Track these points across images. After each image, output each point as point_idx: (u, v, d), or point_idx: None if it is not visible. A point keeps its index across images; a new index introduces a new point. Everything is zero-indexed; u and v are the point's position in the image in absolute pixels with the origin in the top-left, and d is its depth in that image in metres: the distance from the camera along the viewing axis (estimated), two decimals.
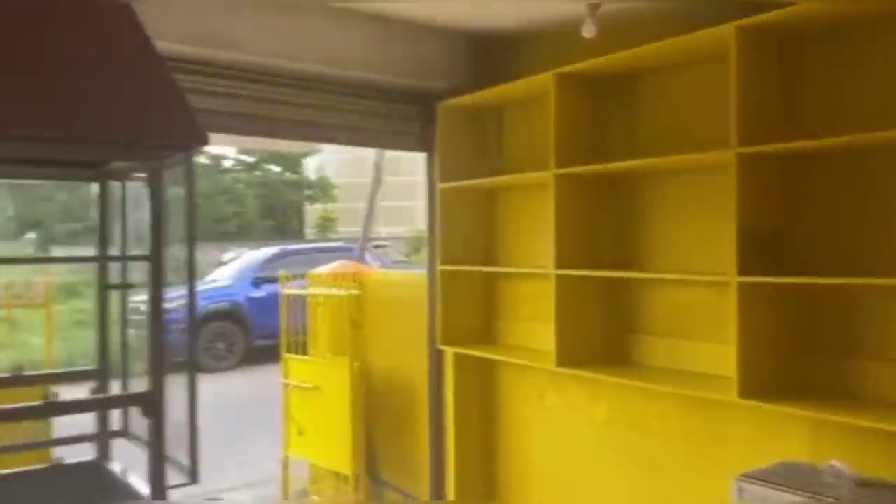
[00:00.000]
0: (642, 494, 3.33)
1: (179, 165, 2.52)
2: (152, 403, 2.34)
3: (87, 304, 10.15)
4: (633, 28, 3.10)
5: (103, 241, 2.92)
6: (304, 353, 5.11)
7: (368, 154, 25.42)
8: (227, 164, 22.83)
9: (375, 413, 4.95)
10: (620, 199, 3.34)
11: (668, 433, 3.20)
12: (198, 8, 3.05)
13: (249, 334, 11.17)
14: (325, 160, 23.69)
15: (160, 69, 2.39)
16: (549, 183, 3.28)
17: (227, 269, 12.17)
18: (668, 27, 2.87)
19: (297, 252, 12.18)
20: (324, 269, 5.45)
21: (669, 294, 3.18)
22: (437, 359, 4.26)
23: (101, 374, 2.91)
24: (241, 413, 7.89)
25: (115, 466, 2.84)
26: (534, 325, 3.80)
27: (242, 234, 21.47)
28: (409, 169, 19.39)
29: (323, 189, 22.34)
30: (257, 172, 23.00)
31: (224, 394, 8.58)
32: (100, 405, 2.87)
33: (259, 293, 11.20)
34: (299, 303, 5.25)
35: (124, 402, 2.50)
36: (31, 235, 22.02)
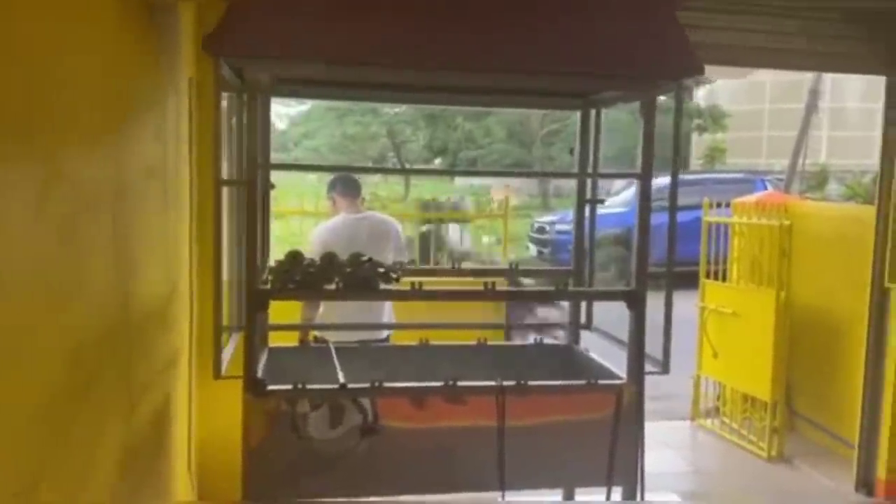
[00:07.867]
0: None
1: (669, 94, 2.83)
2: (637, 299, 2.74)
3: None
4: None
5: (584, 162, 3.38)
6: (713, 279, 5.23)
7: (763, 80, 23.52)
8: None
9: (795, 345, 4.91)
10: None
11: None
12: None
13: None
14: (718, 87, 22.51)
15: (663, 4, 2.68)
16: None
17: (620, 198, 12.58)
18: None
19: (692, 182, 12.03)
20: (748, 199, 5.45)
21: None
22: (880, 298, 4.06)
23: (576, 274, 3.44)
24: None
25: (583, 350, 3.37)
26: None
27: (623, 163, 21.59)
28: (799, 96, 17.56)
29: (713, 118, 21.30)
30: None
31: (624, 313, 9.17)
32: (595, 296, 3.41)
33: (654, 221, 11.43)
34: (715, 231, 5.35)
35: (614, 295, 2.94)
36: (438, 161, 24.97)
